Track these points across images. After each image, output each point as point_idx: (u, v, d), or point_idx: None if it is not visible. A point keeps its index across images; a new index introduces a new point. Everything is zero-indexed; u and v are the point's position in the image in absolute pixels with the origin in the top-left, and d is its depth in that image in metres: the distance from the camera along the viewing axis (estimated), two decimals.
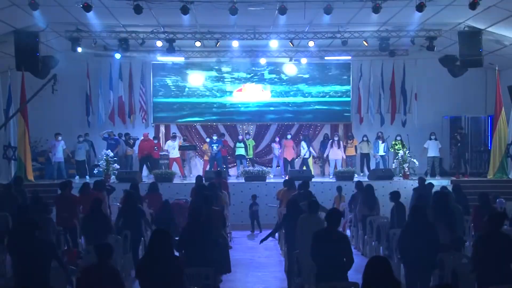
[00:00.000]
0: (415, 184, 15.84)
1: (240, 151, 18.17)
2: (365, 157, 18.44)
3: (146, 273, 5.55)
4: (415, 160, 17.43)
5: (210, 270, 6.84)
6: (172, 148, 18.02)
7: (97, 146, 18.25)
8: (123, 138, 18.18)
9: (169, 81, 19.68)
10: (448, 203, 9.04)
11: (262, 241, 9.51)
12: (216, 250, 7.68)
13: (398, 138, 17.97)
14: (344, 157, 18.44)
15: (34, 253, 6.44)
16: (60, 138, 17.02)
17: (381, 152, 18.15)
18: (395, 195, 10.69)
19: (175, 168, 18.11)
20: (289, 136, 18.65)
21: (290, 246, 8.59)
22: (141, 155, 17.96)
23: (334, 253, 6.42)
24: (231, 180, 16.96)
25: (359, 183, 12.64)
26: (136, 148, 18.37)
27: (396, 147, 17.82)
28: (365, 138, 18.43)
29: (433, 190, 11.83)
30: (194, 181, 15.51)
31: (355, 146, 18.49)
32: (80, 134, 17.74)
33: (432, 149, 17.70)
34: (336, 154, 18.01)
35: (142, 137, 18.20)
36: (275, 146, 18.42)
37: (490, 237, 6.46)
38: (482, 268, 6.38)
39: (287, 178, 15.05)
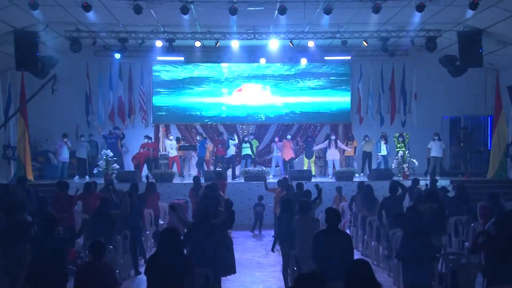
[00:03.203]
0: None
1: (246, 151, 18.14)
2: (368, 156, 18.42)
3: (155, 270, 5.58)
4: (414, 160, 17.43)
5: (209, 270, 6.82)
6: (171, 148, 18.05)
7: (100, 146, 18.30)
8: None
9: (168, 81, 19.67)
10: None
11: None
12: (222, 250, 7.67)
13: (400, 138, 17.93)
14: (349, 149, 18.40)
15: (53, 249, 6.58)
16: (66, 139, 17.10)
17: (384, 152, 18.13)
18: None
19: (174, 167, 18.17)
20: (289, 136, 18.64)
21: (285, 247, 8.60)
22: (136, 162, 17.96)
23: (336, 253, 6.40)
24: (229, 180, 16.93)
25: (360, 184, 12.65)
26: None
27: (399, 145, 17.80)
28: (367, 139, 18.43)
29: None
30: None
31: (355, 147, 18.47)
32: (82, 133, 17.76)
33: (435, 149, 17.70)
34: (333, 154, 17.96)
35: (141, 149, 18.20)
36: (275, 146, 18.40)
37: (500, 237, 6.46)
38: (491, 267, 6.40)
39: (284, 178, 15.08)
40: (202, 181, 15.09)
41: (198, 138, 18.64)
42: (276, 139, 18.78)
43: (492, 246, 6.43)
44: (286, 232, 8.40)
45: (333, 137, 18.18)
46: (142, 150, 18.05)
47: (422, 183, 14.14)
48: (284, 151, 18.23)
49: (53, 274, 6.45)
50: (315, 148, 18.51)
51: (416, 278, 6.98)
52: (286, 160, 18.19)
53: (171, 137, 18.37)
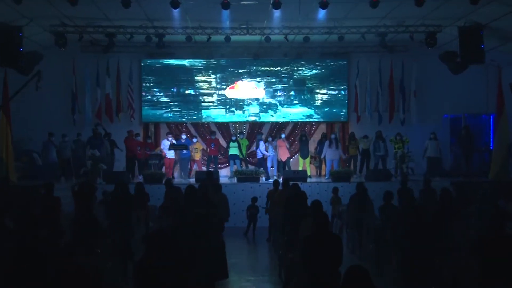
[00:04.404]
0: (413, 185, 15.86)
1: (234, 150, 18.07)
2: (366, 156, 18.42)
3: (143, 275, 5.56)
4: (413, 160, 17.44)
5: (201, 275, 6.81)
6: (168, 149, 17.95)
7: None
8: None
9: (158, 78, 19.64)
10: None
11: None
12: (214, 254, 7.66)
13: (398, 137, 17.95)
14: (344, 157, 18.42)
15: None
16: (53, 138, 17.00)
17: (382, 152, 18.12)
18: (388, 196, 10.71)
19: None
20: (283, 136, 18.60)
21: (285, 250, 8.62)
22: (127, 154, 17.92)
23: (326, 256, 6.42)
24: (222, 181, 16.90)
25: (358, 184, 12.64)
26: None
27: (396, 145, 17.80)
28: (365, 140, 18.41)
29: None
30: (186, 182, 15.55)
31: (358, 147, 18.45)
32: (64, 133, 17.65)
33: (431, 149, 17.73)
34: (333, 154, 17.95)
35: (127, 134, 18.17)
36: (270, 146, 18.37)
37: (495, 239, 6.47)
38: (485, 272, 6.41)
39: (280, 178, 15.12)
40: (193, 181, 15.09)
41: (183, 136, 18.55)
42: (270, 139, 18.76)
43: (486, 249, 6.45)
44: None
45: (332, 137, 18.16)
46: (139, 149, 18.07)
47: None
48: (280, 151, 18.17)
49: (36, 278, 6.41)
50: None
51: (416, 281, 7.01)
52: (283, 160, 18.14)
53: (170, 138, 18.25)
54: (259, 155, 18.12)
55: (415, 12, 14.48)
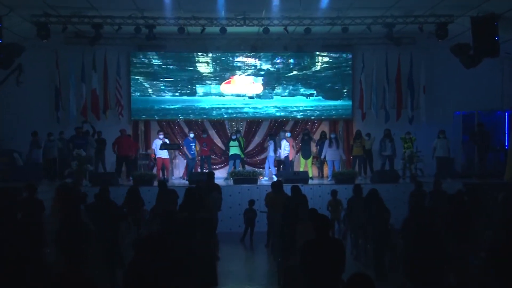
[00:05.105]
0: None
1: (235, 150, 18.07)
2: (368, 155, 18.45)
3: (133, 282, 5.58)
4: (422, 161, 17.47)
5: (191, 281, 6.85)
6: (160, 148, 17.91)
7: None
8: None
9: (149, 72, 19.65)
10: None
11: None
12: (202, 260, 7.68)
13: (407, 136, 17.95)
14: (344, 157, 18.45)
15: None
16: (36, 137, 17.00)
17: (389, 152, 18.17)
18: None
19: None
20: (288, 134, 18.55)
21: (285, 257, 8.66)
22: (119, 154, 17.93)
23: (327, 264, 6.45)
24: (218, 182, 16.89)
25: (356, 187, 12.67)
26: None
27: (406, 145, 17.79)
28: (367, 138, 18.42)
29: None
30: (177, 184, 15.58)
31: (364, 146, 18.44)
32: (50, 131, 17.65)
33: (441, 148, 17.72)
34: (333, 154, 17.94)
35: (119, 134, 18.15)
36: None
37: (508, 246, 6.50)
38: (496, 279, 6.44)
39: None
40: (186, 182, 15.10)
41: (191, 135, 18.49)
42: (269, 137, 18.74)
43: (498, 256, 6.48)
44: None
45: (333, 136, 18.17)
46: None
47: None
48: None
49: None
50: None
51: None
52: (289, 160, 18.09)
53: (161, 136, 18.16)
54: (285, 155, 17.97)
55: (424, 2, 14.51)
